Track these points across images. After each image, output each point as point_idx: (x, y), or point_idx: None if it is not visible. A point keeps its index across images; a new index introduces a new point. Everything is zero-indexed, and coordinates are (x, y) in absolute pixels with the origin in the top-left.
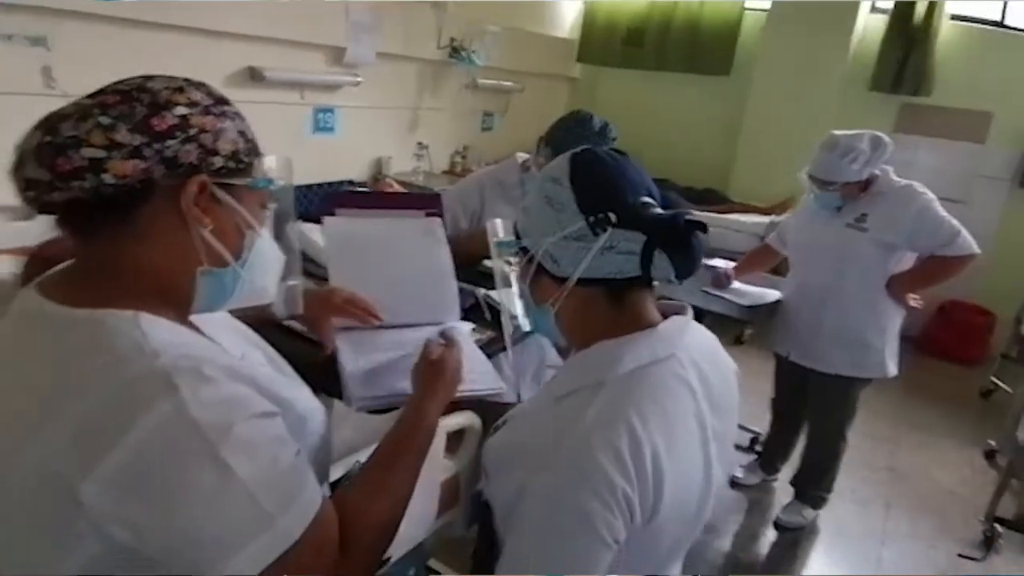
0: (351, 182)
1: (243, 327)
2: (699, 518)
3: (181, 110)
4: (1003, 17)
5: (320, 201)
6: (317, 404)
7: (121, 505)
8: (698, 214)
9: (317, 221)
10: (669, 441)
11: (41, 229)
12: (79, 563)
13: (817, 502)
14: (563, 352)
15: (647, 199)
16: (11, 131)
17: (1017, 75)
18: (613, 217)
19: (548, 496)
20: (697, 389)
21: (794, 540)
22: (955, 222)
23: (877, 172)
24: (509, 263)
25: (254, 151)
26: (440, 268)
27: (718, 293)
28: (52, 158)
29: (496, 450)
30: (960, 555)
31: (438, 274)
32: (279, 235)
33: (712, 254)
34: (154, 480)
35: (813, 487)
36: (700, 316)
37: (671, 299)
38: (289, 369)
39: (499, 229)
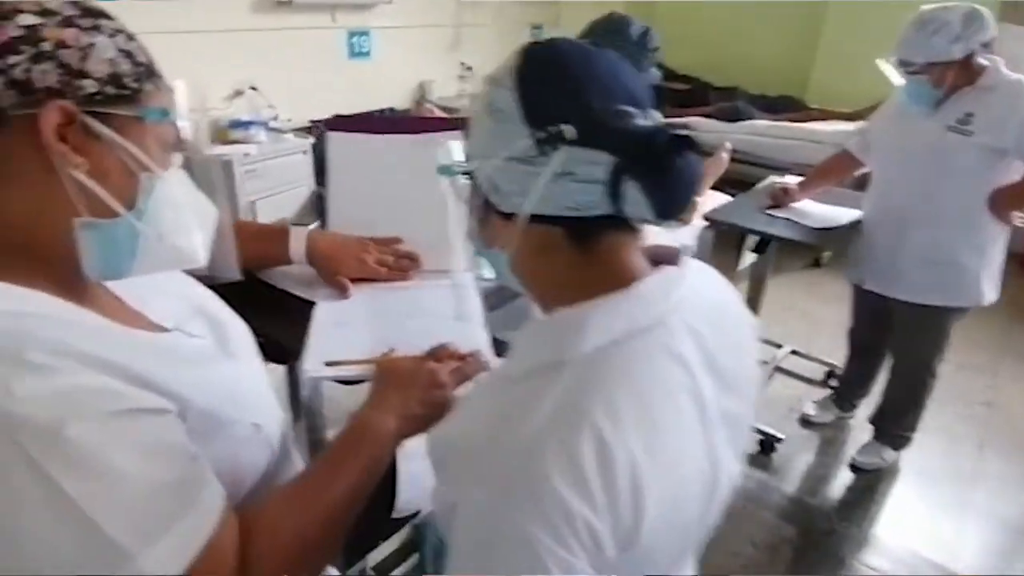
0: (392, 110)
1: (197, 289)
2: (704, 522)
3: (28, 19)
4: None
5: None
6: (263, 398)
7: None
8: (764, 124)
9: None
10: (652, 439)
11: None
12: None
13: (898, 442)
14: None
15: (626, 107)
16: None
17: None
18: (569, 131)
19: (481, 520)
20: (693, 362)
21: (870, 483)
22: None
23: (984, 62)
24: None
25: (146, 75)
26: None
27: (781, 214)
28: None
29: (438, 442)
30: None
31: (448, 207)
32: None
33: (786, 170)
34: None
35: (895, 426)
36: (765, 243)
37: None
38: (244, 347)
39: (451, 150)
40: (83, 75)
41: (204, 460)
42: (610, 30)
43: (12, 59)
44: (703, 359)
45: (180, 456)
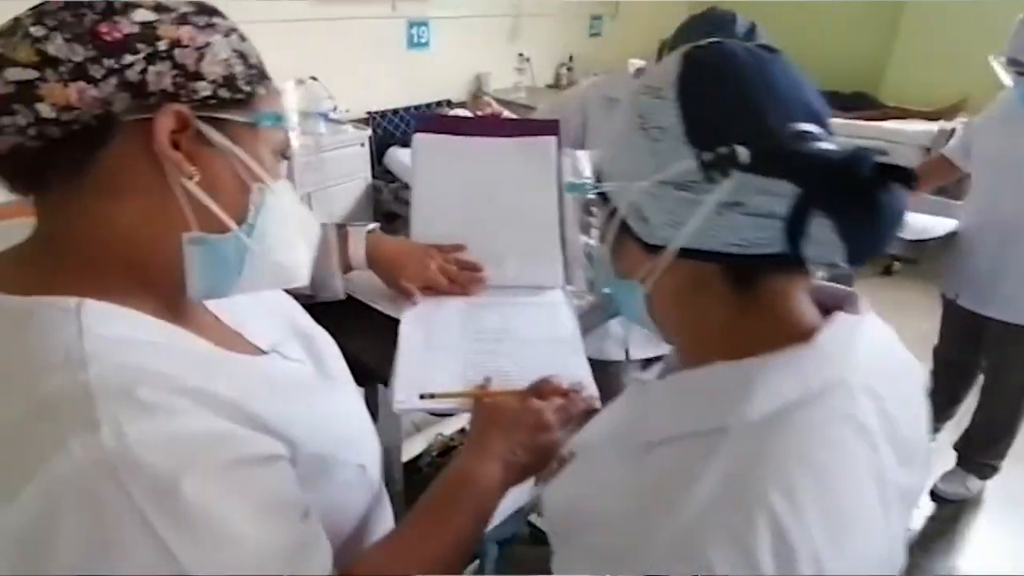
0: (449, 103)
1: (289, 305)
2: None
3: (144, 15)
4: None
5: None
6: (365, 434)
7: None
8: (836, 122)
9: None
10: (836, 528)
11: None
12: None
13: (985, 471)
14: None
15: (807, 126)
16: None
17: None
18: (743, 154)
19: None
20: (875, 431)
21: (953, 514)
22: None
23: None
24: (591, 215)
25: (259, 78)
26: (546, 209)
27: None
28: None
29: (557, 509)
30: None
31: (543, 216)
32: None
33: None
34: (52, 562)
35: (982, 455)
36: None
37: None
38: (339, 367)
39: (580, 164)
40: (198, 77)
41: (315, 514)
42: (712, 26)
43: (128, 59)
44: (884, 426)
45: (293, 514)
